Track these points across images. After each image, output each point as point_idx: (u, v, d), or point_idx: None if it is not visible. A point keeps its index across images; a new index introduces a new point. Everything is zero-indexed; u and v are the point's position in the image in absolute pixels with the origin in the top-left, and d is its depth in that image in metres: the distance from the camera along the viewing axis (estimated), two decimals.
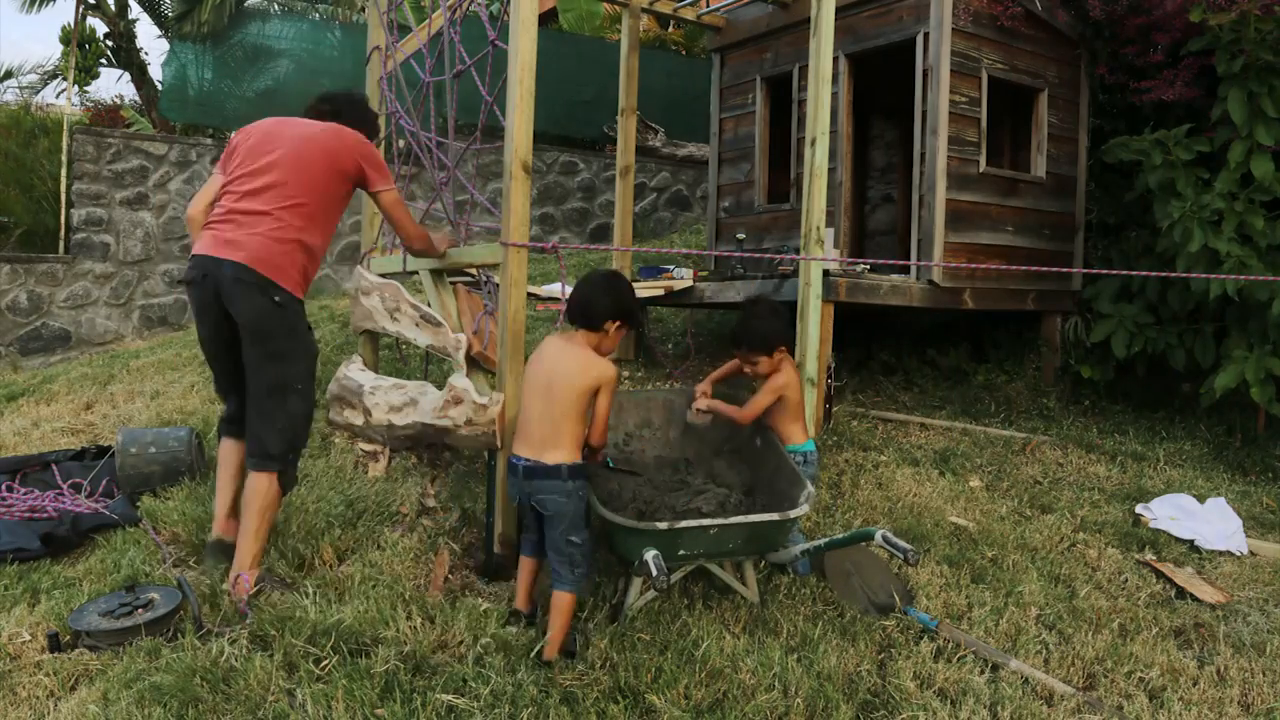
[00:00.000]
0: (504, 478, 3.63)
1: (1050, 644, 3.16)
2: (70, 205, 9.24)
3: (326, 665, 2.83)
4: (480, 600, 3.35)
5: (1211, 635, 3.32)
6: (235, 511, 3.51)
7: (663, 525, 2.95)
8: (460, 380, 3.80)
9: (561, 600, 3.00)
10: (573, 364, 3.09)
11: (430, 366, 5.52)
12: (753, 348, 3.66)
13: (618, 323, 3.21)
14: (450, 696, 2.65)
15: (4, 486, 4.39)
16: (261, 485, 3.33)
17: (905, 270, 5.89)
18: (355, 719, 2.61)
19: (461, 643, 2.99)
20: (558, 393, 3.04)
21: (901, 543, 2.93)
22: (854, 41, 6.22)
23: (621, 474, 3.70)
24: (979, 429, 5.58)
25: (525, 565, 3.24)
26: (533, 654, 2.90)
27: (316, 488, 4.09)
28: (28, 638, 3.14)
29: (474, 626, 3.05)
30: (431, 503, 4.13)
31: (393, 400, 4.22)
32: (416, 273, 4.48)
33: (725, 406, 3.74)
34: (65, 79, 11.16)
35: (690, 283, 6.27)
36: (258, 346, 3.30)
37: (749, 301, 4.05)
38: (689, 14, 7.25)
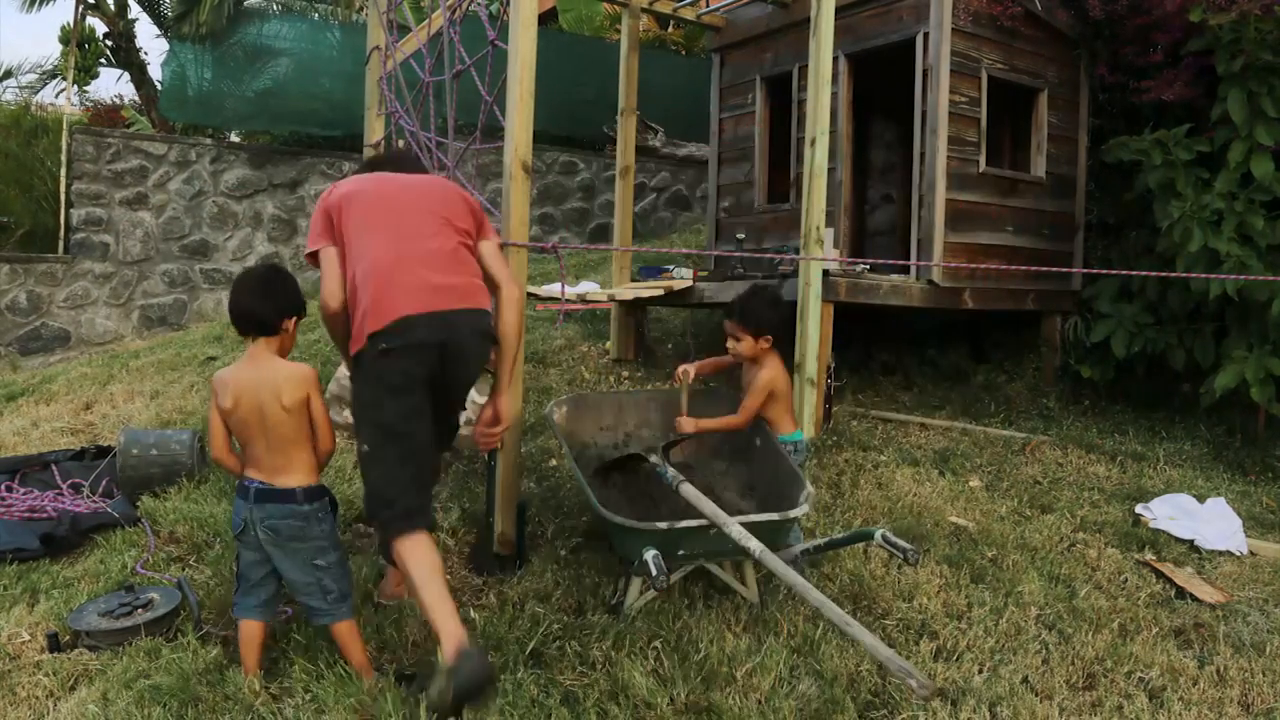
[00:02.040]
0: (504, 478, 3.63)
1: (1050, 644, 3.16)
2: (70, 205, 9.24)
3: (321, 668, 2.83)
4: (477, 600, 3.35)
5: (1211, 635, 3.32)
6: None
7: (662, 526, 2.95)
8: None
9: (337, 631, 2.82)
10: (274, 380, 2.79)
11: None
12: (744, 322, 3.63)
13: (295, 319, 2.93)
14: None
15: (4, 486, 4.39)
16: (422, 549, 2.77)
17: (905, 270, 5.89)
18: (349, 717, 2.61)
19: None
20: (274, 420, 2.77)
21: (901, 542, 2.92)
22: (854, 41, 6.22)
23: (633, 462, 3.68)
24: (979, 429, 5.58)
25: (250, 630, 2.85)
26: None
27: None
28: (27, 638, 3.14)
29: (469, 627, 3.05)
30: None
31: None
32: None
33: (715, 422, 3.67)
34: (65, 79, 11.15)
35: (690, 283, 6.27)
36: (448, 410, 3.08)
37: (757, 285, 4.04)
38: (689, 14, 7.25)
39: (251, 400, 2.79)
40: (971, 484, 4.67)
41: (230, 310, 2.94)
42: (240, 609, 2.88)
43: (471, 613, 3.17)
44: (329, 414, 2.91)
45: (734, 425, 3.66)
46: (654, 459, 3.45)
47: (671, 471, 3.33)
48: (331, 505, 2.92)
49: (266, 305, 2.88)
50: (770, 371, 3.63)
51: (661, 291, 6.16)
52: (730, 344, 3.69)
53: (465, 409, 3.66)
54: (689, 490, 3.16)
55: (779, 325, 3.70)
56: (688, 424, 3.63)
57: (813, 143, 5.02)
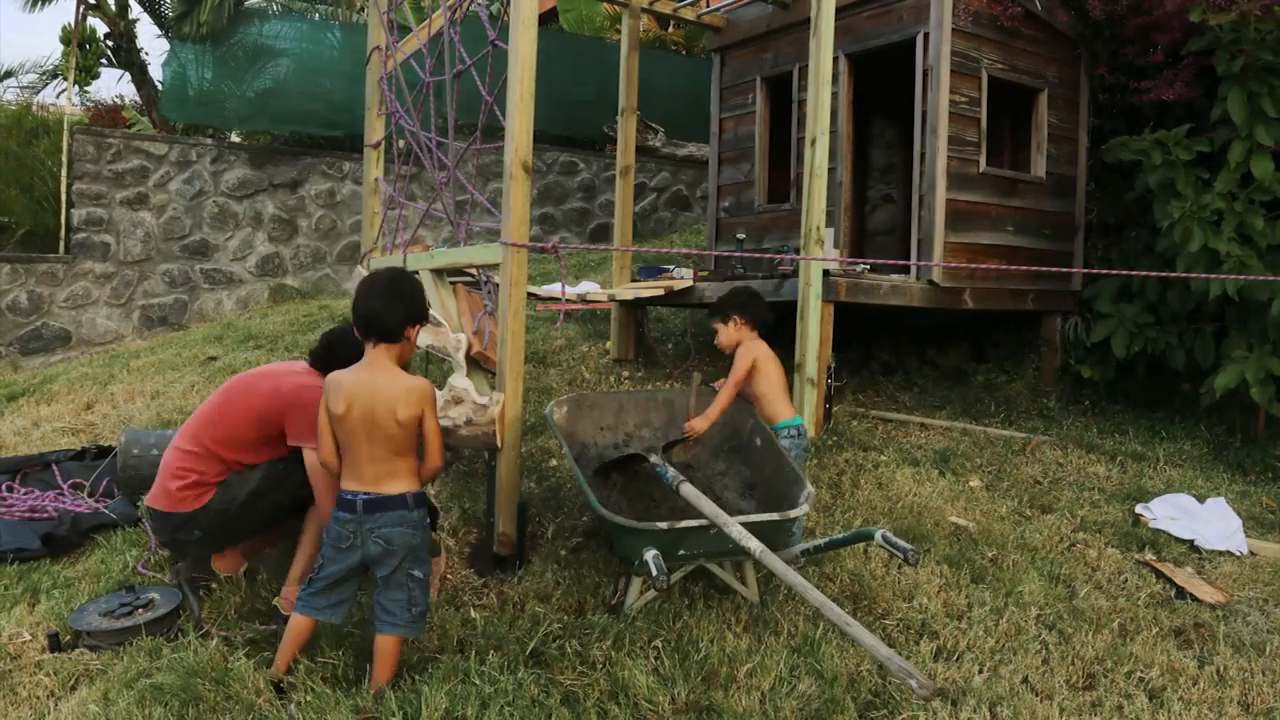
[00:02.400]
0: (504, 478, 3.63)
1: (1050, 644, 3.16)
2: (70, 205, 9.24)
3: (326, 669, 2.83)
4: (476, 599, 3.36)
5: (1211, 635, 3.32)
6: None
7: (663, 526, 2.95)
8: (460, 380, 3.80)
9: (389, 643, 2.75)
10: (391, 392, 2.74)
11: (430, 366, 5.52)
12: (716, 314, 3.83)
13: (416, 326, 2.89)
14: (448, 696, 2.65)
15: (4, 486, 4.40)
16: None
17: (905, 270, 5.89)
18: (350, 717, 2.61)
19: (461, 642, 2.99)
20: (384, 429, 2.72)
21: (901, 542, 2.93)
22: (854, 41, 6.22)
23: (631, 461, 3.69)
24: (979, 429, 5.58)
25: (301, 626, 2.82)
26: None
27: None
28: (28, 638, 3.14)
29: (470, 627, 3.05)
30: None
31: None
32: (417, 273, 4.48)
33: (713, 407, 3.75)
34: (66, 79, 11.15)
35: (690, 283, 6.27)
36: None
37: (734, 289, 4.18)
38: (689, 14, 7.25)
39: (364, 408, 2.72)
40: (971, 484, 4.68)
41: (354, 313, 2.86)
42: (305, 606, 2.80)
43: (472, 612, 3.18)
44: (437, 427, 2.86)
45: (725, 401, 3.75)
46: (654, 459, 3.46)
47: (672, 472, 3.33)
48: (430, 514, 2.88)
49: (392, 311, 2.80)
50: (748, 347, 3.75)
51: (661, 291, 6.16)
52: (716, 343, 3.85)
53: (463, 403, 3.67)
54: (689, 490, 3.17)
55: (755, 310, 3.83)
56: (699, 423, 3.73)
57: (813, 143, 5.02)
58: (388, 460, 2.75)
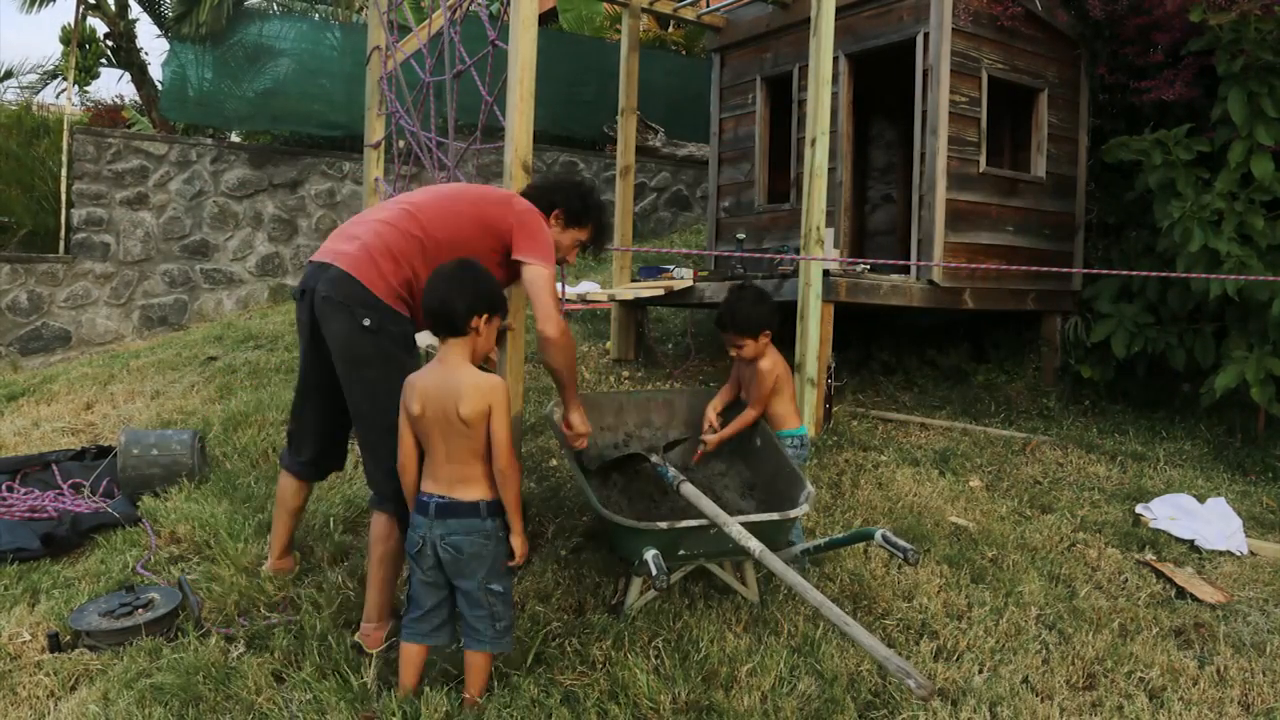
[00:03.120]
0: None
1: (1050, 644, 3.16)
2: (70, 205, 9.24)
3: (323, 667, 2.83)
4: None
5: (1211, 635, 3.32)
6: (288, 550, 3.49)
7: (663, 525, 2.95)
8: None
9: (478, 659, 2.68)
10: (456, 388, 2.61)
11: None
12: (740, 331, 3.65)
13: (485, 315, 2.70)
14: (448, 698, 2.66)
15: (4, 486, 4.40)
16: (380, 529, 2.99)
17: (905, 270, 5.89)
18: (350, 717, 2.61)
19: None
20: (455, 428, 2.62)
21: (902, 542, 2.93)
22: (854, 41, 6.22)
23: (632, 462, 3.69)
24: (979, 429, 5.58)
25: (411, 654, 2.72)
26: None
27: (315, 487, 4.08)
28: (28, 638, 3.14)
29: None
30: None
31: None
32: None
33: (734, 425, 3.71)
34: (65, 79, 11.15)
35: (690, 283, 6.27)
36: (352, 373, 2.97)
37: (736, 287, 4.04)
38: (689, 14, 7.25)
39: (437, 406, 2.62)
40: (971, 484, 4.68)
41: (423, 309, 2.74)
42: (409, 634, 2.70)
43: None
44: (505, 428, 2.65)
45: (749, 421, 3.68)
46: (654, 459, 3.45)
47: (672, 471, 3.32)
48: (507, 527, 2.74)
49: (455, 301, 2.64)
50: (771, 359, 3.66)
51: (661, 291, 6.17)
52: (733, 351, 3.70)
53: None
54: (690, 490, 3.16)
55: (770, 317, 3.70)
56: (713, 441, 3.70)
57: (813, 143, 5.02)
58: (466, 463, 2.64)
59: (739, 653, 2.89)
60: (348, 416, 3.08)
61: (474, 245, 3.07)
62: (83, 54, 12.83)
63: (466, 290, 2.67)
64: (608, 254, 6.58)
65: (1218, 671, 3.07)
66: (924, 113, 5.83)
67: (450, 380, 2.63)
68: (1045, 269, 5.97)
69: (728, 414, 3.78)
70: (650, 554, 2.78)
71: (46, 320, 9.03)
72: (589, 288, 6.90)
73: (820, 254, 5.02)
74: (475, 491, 2.64)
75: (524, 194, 3.37)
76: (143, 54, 12.81)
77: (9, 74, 13.08)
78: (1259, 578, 3.88)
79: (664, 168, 11.71)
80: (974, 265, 5.85)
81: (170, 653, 2.96)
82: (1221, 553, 4.11)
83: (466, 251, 2.96)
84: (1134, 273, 5.74)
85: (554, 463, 4.67)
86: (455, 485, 2.64)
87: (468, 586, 2.63)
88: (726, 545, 3.02)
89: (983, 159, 5.99)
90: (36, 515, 4.13)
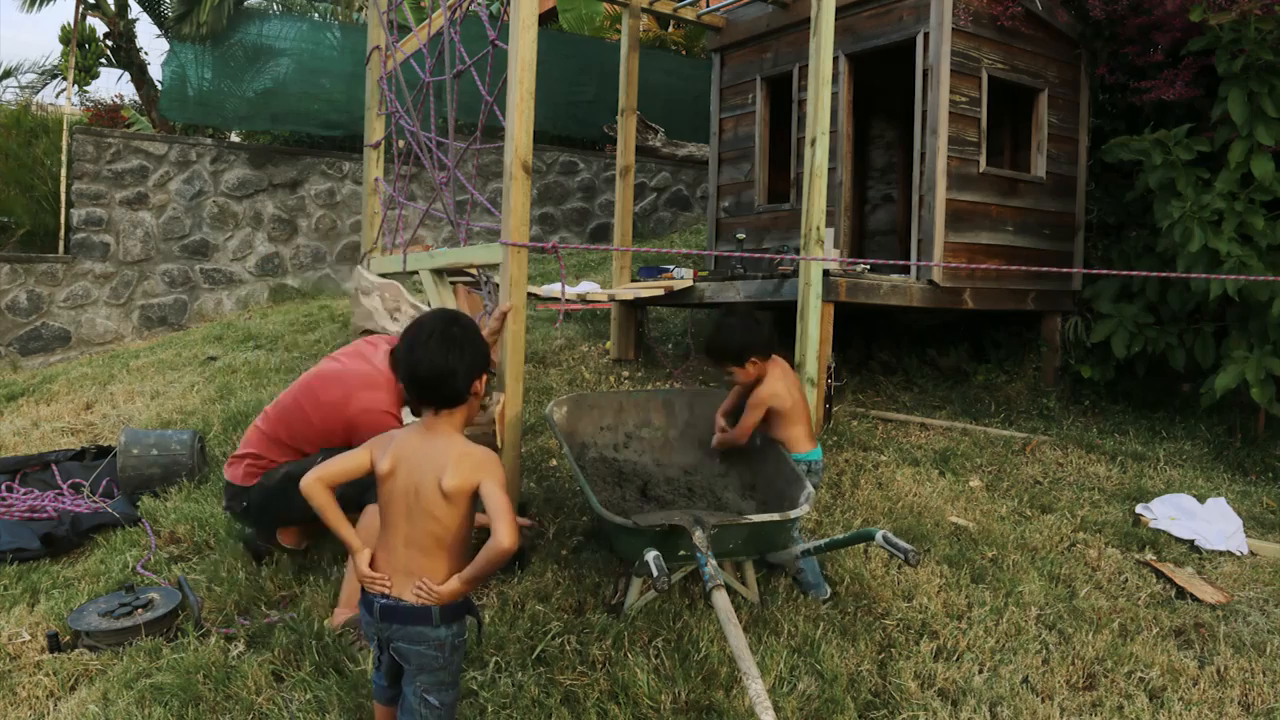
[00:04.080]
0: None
1: (1050, 644, 3.16)
2: (70, 205, 9.24)
3: (323, 666, 2.83)
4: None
5: (1211, 635, 3.32)
6: None
7: (663, 525, 2.95)
8: None
9: None
10: (443, 457, 2.23)
11: None
12: (719, 360, 3.59)
13: (484, 376, 2.37)
14: None
15: (4, 486, 4.40)
16: (368, 528, 2.90)
17: (905, 270, 5.89)
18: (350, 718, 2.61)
19: None
20: (427, 505, 2.22)
21: (902, 543, 2.92)
22: (854, 41, 6.22)
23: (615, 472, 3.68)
24: (979, 429, 5.58)
25: (382, 713, 2.46)
26: None
27: None
28: (28, 638, 3.14)
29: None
30: None
31: None
32: (417, 273, 4.48)
33: (726, 438, 3.71)
34: (65, 79, 11.15)
35: (690, 283, 6.27)
36: None
37: (722, 314, 3.98)
38: (689, 14, 7.25)
39: (411, 473, 2.23)
40: (971, 484, 4.68)
41: (408, 376, 2.30)
42: (376, 691, 2.44)
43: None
44: (504, 496, 2.23)
45: (736, 441, 3.68)
46: (698, 538, 2.91)
47: (711, 566, 2.74)
48: (478, 625, 2.42)
49: (454, 368, 2.25)
50: (767, 387, 3.55)
51: (661, 291, 6.16)
52: (726, 378, 3.65)
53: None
54: (721, 600, 2.63)
55: (756, 341, 3.55)
56: (719, 436, 3.76)
57: (813, 143, 5.02)
58: (426, 553, 2.22)
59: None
60: None
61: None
62: (82, 54, 12.83)
63: (465, 353, 2.28)
64: (608, 254, 6.57)
65: (1218, 671, 3.07)
66: (924, 113, 5.83)
67: (435, 447, 2.25)
68: (1045, 269, 5.97)
69: (732, 420, 3.77)
70: (651, 554, 2.77)
71: (46, 320, 9.02)
72: (589, 287, 6.90)
73: (820, 254, 5.02)
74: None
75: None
76: (143, 54, 12.82)
77: (8, 74, 13.09)
78: (1259, 578, 3.88)
79: (664, 168, 11.72)
80: (974, 265, 5.85)
81: (170, 653, 2.96)
82: (1221, 553, 4.11)
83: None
84: (1134, 273, 5.74)
85: (554, 463, 4.67)
86: (408, 577, 2.23)
87: (406, 690, 2.30)
88: (727, 545, 3.01)
89: (983, 159, 5.99)
90: (36, 515, 4.13)
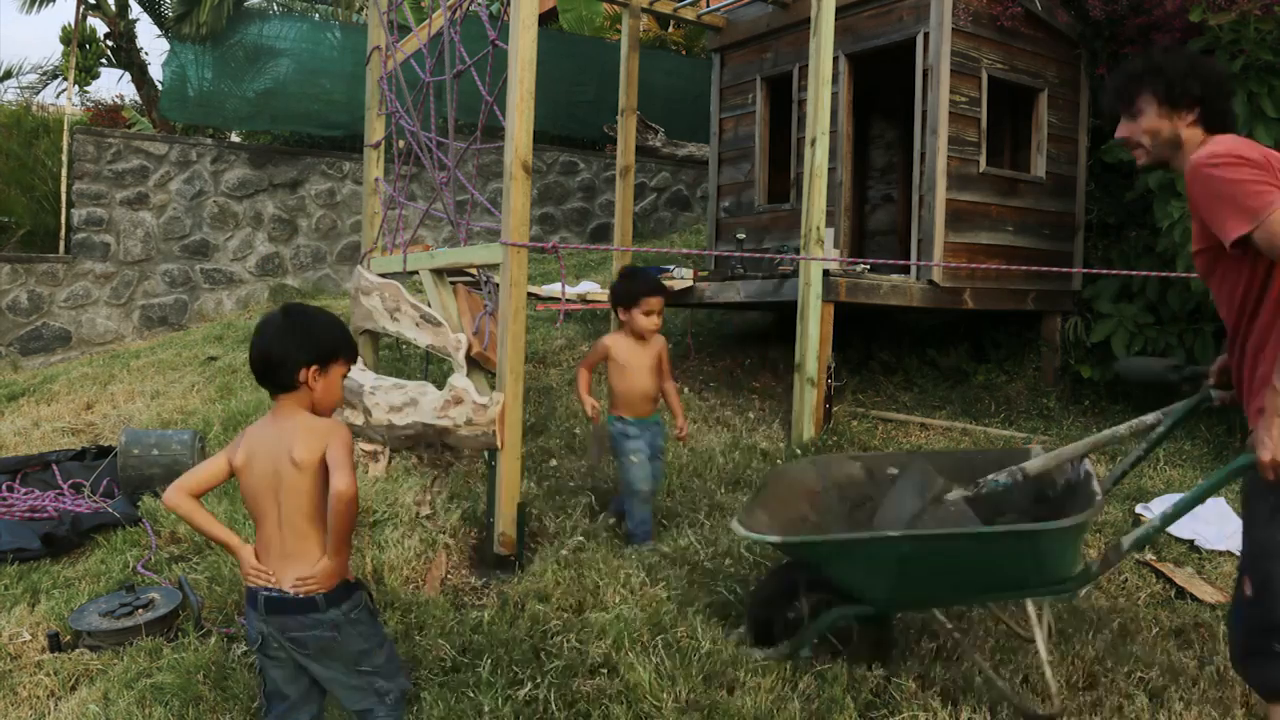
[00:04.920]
0: (504, 478, 3.63)
1: (1050, 643, 3.16)
2: (71, 205, 9.24)
3: None
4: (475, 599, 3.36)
5: (1211, 635, 3.32)
6: None
7: (919, 532, 2.58)
8: (460, 380, 3.80)
9: None
10: (290, 434, 2.26)
11: (430, 366, 5.52)
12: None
13: (314, 367, 2.29)
14: (448, 695, 2.66)
15: (4, 486, 4.40)
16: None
17: (905, 270, 5.89)
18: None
19: (459, 644, 2.99)
20: (288, 484, 2.24)
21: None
22: (854, 41, 6.22)
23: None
24: (979, 429, 5.58)
25: None
26: None
27: None
28: (28, 638, 3.15)
29: (470, 629, 3.05)
30: (427, 510, 4.11)
31: (393, 400, 4.22)
32: (417, 273, 4.48)
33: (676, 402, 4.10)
34: (65, 79, 11.16)
35: (690, 283, 6.27)
36: None
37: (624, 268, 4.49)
38: (689, 14, 7.25)
39: (267, 458, 2.26)
40: None
41: (249, 359, 2.38)
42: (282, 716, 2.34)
43: (472, 614, 3.18)
44: (346, 453, 2.27)
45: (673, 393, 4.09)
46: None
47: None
48: (368, 598, 2.41)
49: (284, 354, 2.28)
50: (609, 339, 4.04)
51: None
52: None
53: (463, 403, 3.67)
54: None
55: (624, 294, 3.96)
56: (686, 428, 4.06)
57: (813, 143, 5.03)
58: (300, 532, 2.24)
59: (740, 652, 2.89)
60: None
61: None
62: (83, 54, 12.83)
63: (297, 341, 2.29)
64: (608, 254, 6.57)
65: (1217, 671, 3.07)
66: (924, 113, 5.83)
67: (282, 428, 2.28)
68: (1045, 269, 5.97)
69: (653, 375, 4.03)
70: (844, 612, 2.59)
71: (46, 320, 9.02)
72: (589, 288, 6.91)
73: (820, 254, 5.02)
74: (309, 572, 2.24)
75: None
76: (143, 54, 12.81)
77: (9, 74, 13.08)
78: None
79: (664, 168, 11.71)
80: (974, 265, 5.85)
81: (170, 653, 2.96)
82: (1221, 553, 4.11)
83: None
84: (1134, 273, 5.74)
85: (554, 463, 4.67)
86: (288, 562, 2.24)
87: (328, 675, 2.31)
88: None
89: (983, 159, 5.99)
90: (36, 515, 4.13)
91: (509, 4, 3.67)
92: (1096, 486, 2.73)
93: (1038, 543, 2.56)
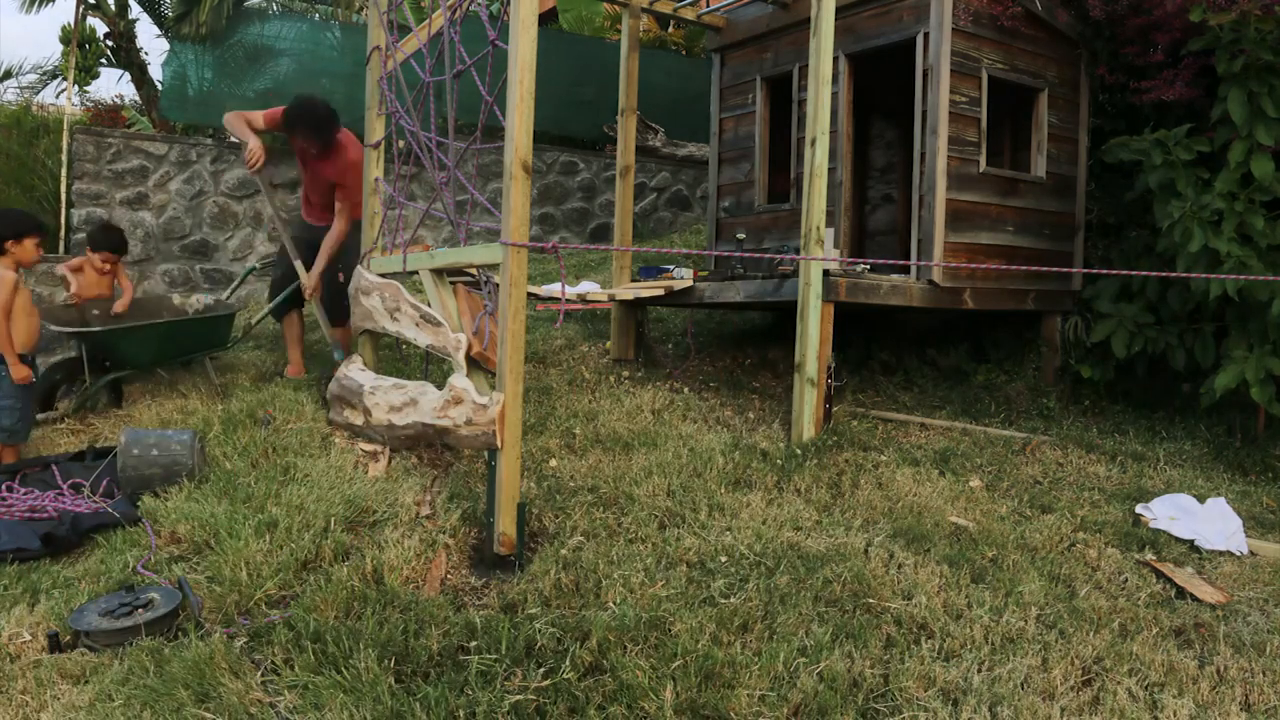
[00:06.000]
0: (504, 478, 3.63)
1: (1050, 643, 3.16)
2: (70, 205, 9.24)
3: (322, 664, 2.83)
4: (475, 598, 3.35)
5: (1211, 635, 3.32)
6: None
7: None
8: (460, 380, 3.80)
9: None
10: None
11: (430, 366, 5.52)
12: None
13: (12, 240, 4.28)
14: (448, 695, 2.66)
15: (4, 486, 4.39)
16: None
17: (905, 270, 5.89)
18: (348, 717, 2.61)
19: (460, 643, 2.99)
20: None
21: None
22: (854, 41, 6.22)
23: None
24: (979, 429, 5.58)
25: None
26: None
27: (316, 488, 4.09)
28: (28, 638, 3.14)
29: (470, 628, 3.05)
30: (427, 510, 4.11)
31: (393, 400, 4.22)
32: (417, 273, 4.48)
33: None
34: (65, 79, 11.15)
35: (690, 283, 6.27)
36: None
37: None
38: (689, 14, 7.25)
39: None
40: (971, 484, 4.68)
41: None
42: None
43: (472, 613, 3.18)
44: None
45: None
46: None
47: None
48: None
49: None
50: None
51: (661, 291, 6.17)
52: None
53: (463, 403, 3.66)
54: None
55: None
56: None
57: (813, 143, 5.03)
58: None
59: (739, 652, 2.89)
60: None
61: None
62: (83, 54, 12.82)
63: None
64: (608, 254, 6.59)
65: (1218, 671, 3.07)
66: (924, 113, 5.83)
67: None
68: (1045, 269, 5.98)
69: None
70: None
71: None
72: (589, 287, 6.90)
73: (820, 254, 5.02)
74: None
75: None
76: (143, 54, 12.79)
77: (9, 74, 13.07)
78: (1259, 578, 3.88)
79: (664, 168, 11.71)
80: (974, 265, 5.86)
81: (170, 653, 2.96)
82: (1221, 553, 4.11)
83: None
84: (1134, 273, 5.74)
85: (553, 463, 4.67)
86: None
87: None
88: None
89: (983, 159, 5.99)
90: (36, 515, 4.13)
91: (509, 4, 3.67)
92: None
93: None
